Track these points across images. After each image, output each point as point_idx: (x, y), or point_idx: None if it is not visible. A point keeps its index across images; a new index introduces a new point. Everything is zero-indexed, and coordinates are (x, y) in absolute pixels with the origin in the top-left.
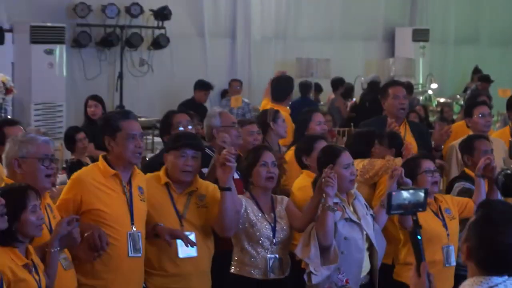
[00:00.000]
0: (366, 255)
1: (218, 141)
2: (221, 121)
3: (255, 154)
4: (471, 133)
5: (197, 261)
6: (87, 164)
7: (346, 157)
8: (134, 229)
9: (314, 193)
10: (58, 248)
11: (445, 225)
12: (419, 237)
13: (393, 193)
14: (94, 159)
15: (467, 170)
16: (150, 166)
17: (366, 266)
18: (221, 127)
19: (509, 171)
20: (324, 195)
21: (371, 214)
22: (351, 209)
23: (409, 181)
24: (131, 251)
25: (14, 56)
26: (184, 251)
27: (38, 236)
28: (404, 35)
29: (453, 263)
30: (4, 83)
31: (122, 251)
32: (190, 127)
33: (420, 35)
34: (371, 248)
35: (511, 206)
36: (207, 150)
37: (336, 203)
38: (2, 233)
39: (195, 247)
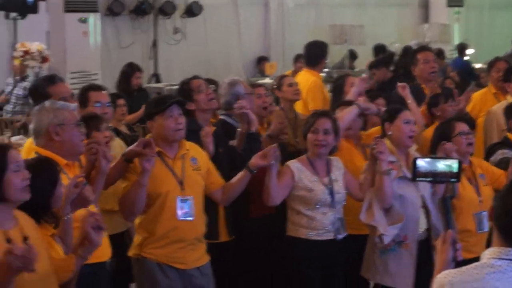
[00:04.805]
0: (422, 212)
1: (237, 109)
2: (245, 88)
3: (310, 120)
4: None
5: (194, 225)
6: (124, 133)
7: (407, 114)
8: None
9: (368, 161)
10: (71, 215)
11: (478, 192)
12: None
13: (418, 160)
14: (130, 127)
15: (510, 136)
16: None
17: (423, 223)
18: (245, 94)
19: None
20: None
21: None
22: (409, 169)
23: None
24: None
25: (49, 25)
26: (183, 213)
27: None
28: (438, 0)
29: (486, 229)
30: (40, 52)
31: None
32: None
33: (455, 0)
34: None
35: None
36: (228, 119)
37: (392, 162)
38: (35, 209)
39: (193, 210)
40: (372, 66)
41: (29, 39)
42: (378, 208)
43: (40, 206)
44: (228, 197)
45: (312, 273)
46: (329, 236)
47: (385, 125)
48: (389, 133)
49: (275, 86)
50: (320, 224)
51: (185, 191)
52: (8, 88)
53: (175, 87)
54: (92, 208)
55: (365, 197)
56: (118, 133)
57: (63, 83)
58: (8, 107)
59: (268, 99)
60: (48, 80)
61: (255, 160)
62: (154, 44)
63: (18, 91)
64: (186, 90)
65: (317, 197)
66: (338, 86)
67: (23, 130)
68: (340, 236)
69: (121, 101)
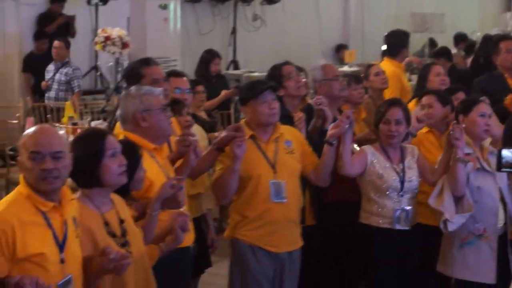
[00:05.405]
0: (501, 206)
1: (315, 104)
2: (323, 74)
3: (381, 110)
4: None
5: (287, 207)
6: (202, 119)
7: (483, 106)
8: None
9: (445, 146)
10: (159, 212)
11: None
12: None
13: (504, 150)
14: (209, 113)
15: None
16: None
17: (501, 218)
18: (323, 80)
19: None
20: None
21: None
22: (484, 161)
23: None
24: None
25: (129, 11)
26: (275, 196)
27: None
28: None
29: None
30: (121, 38)
31: None
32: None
33: None
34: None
35: None
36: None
37: (468, 154)
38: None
39: (285, 193)
40: (432, 56)
41: (110, 25)
42: (449, 194)
43: (120, 189)
44: (321, 177)
45: (384, 261)
46: (397, 226)
47: (459, 117)
48: (463, 125)
49: (363, 75)
50: (390, 212)
51: (277, 174)
52: (49, 75)
53: (253, 74)
54: None
55: (437, 182)
56: (196, 119)
57: (157, 65)
58: (51, 94)
59: (358, 91)
60: (143, 62)
61: (331, 131)
62: (233, 31)
63: (60, 77)
64: (276, 76)
65: (387, 184)
66: (422, 75)
67: (103, 114)
68: (398, 227)
69: (200, 88)
